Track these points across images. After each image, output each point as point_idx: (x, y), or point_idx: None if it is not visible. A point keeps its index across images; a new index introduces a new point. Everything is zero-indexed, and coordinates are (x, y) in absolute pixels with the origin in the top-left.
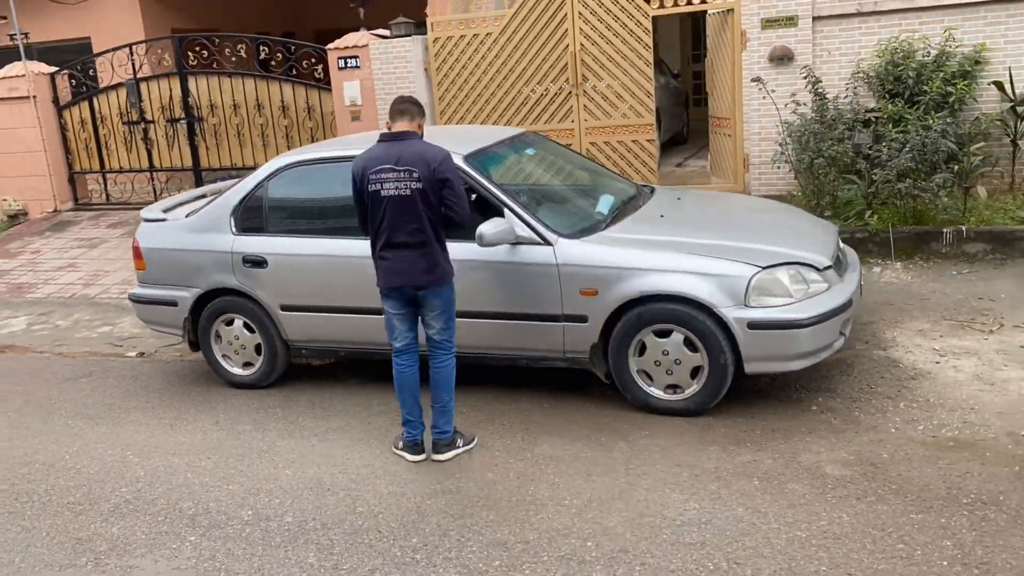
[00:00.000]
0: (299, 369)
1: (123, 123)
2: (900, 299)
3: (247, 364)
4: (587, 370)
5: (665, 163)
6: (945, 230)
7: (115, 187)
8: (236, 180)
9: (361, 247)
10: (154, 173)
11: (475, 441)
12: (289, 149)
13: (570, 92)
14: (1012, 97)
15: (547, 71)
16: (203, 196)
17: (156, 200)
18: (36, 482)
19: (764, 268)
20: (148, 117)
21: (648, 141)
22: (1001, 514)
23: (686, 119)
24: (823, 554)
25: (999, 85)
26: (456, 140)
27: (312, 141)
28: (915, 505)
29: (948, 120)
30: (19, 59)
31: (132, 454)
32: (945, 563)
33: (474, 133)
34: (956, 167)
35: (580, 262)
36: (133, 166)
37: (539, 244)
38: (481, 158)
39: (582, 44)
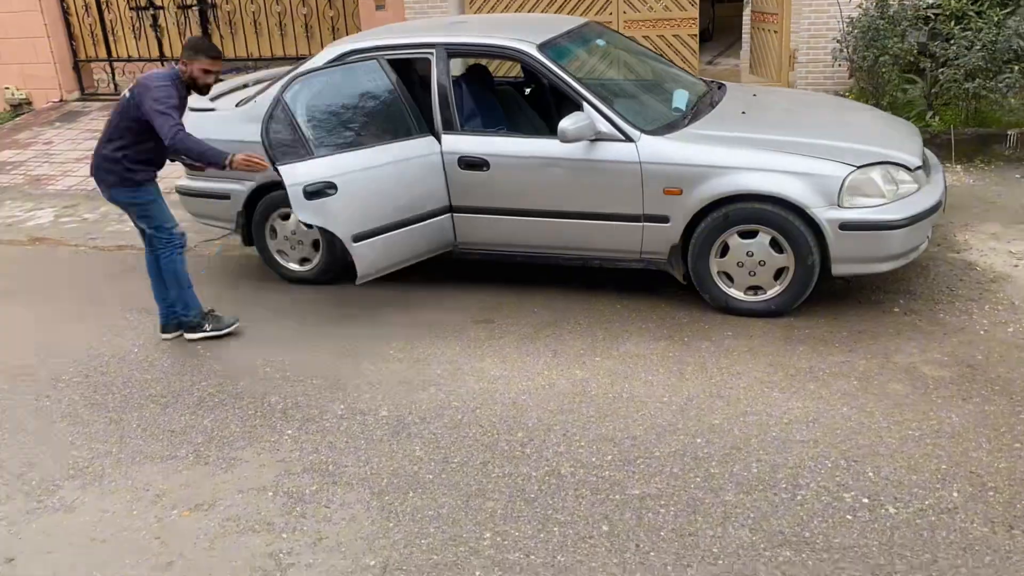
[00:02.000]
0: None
1: (130, 8)
2: (967, 202)
3: (304, 260)
4: (662, 271)
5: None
6: (1009, 132)
7: (123, 77)
8: (291, 69)
9: (415, 147)
10: (164, 62)
11: (231, 326)
12: (309, 40)
13: None
14: None
15: None
16: (245, 85)
17: None
18: (111, 375)
19: (858, 167)
20: (157, 3)
21: (690, 36)
22: None
23: (712, 15)
24: (940, 452)
25: None
26: (525, 28)
27: (334, 31)
28: (1023, 405)
29: (1016, 17)
30: None
31: (202, 348)
32: None
33: (539, 21)
34: (1019, 67)
35: (665, 160)
36: (142, 55)
37: (620, 140)
38: (554, 48)
39: None
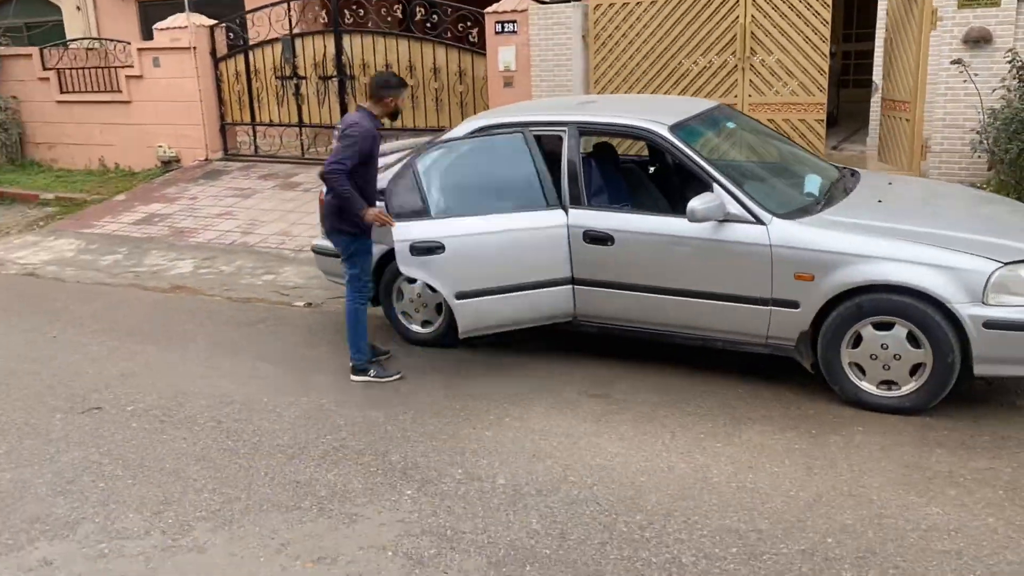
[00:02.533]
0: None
1: (276, 78)
2: None
3: (426, 322)
4: (789, 358)
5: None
6: None
7: (263, 140)
8: (427, 140)
9: (538, 218)
10: (303, 128)
11: (393, 377)
12: (438, 112)
13: (736, 65)
14: None
15: (712, 43)
16: (383, 154)
17: (303, 154)
18: (242, 422)
19: (1005, 264)
20: (300, 73)
21: (817, 121)
22: None
23: (837, 100)
24: None
25: None
26: (657, 110)
27: (462, 105)
28: None
29: None
30: (181, 11)
31: (328, 402)
32: None
33: (670, 103)
34: None
35: (797, 244)
36: (283, 120)
37: (750, 223)
38: (685, 129)
39: (753, 16)
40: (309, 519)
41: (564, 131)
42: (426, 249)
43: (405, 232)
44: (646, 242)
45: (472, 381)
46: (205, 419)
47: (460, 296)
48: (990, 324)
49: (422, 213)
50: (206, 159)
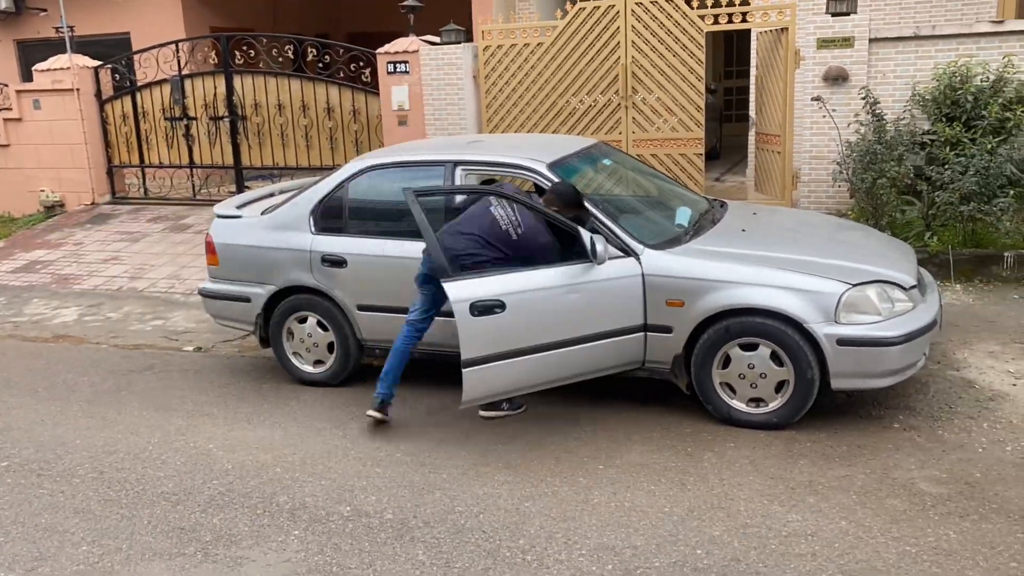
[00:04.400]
0: (366, 369)
1: (165, 119)
2: (965, 321)
3: (318, 362)
4: (667, 380)
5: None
6: (1006, 254)
7: (153, 182)
8: (316, 180)
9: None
10: (194, 169)
11: (521, 408)
12: (332, 151)
13: (619, 104)
14: None
15: (596, 82)
16: (271, 195)
17: (194, 195)
18: (126, 471)
19: (854, 285)
20: (191, 114)
21: (696, 155)
22: None
23: (719, 135)
24: (936, 570)
25: None
26: (536, 149)
27: (357, 144)
28: (1020, 524)
29: (1008, 145)
30: (63, 51)
31: (215, 447)
32: None
33: (551, 142)
34: (1013, 192)
35: (667, 273)
36: (173, 161)
37: (623, 256)
38: (563, 167)
39: (634, 57)
40: (193, 565)
41: (447, 170)
42: (333, 261)
43: (320, 245)
44: (537, 298)
45: (364, 420)
46: (86, 470)
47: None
48: (843, 341)
49: (339, 230)
50: (92, 203)
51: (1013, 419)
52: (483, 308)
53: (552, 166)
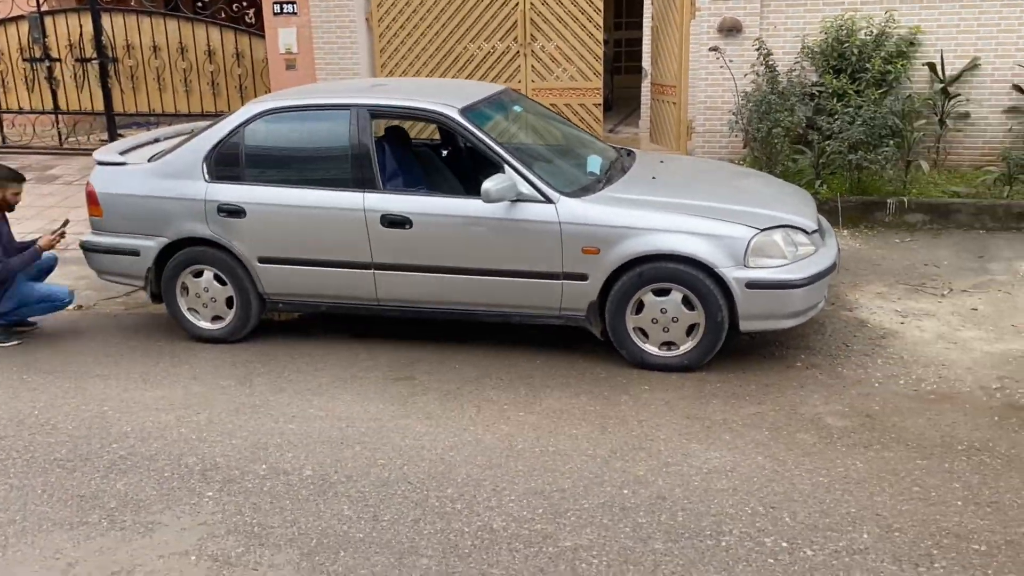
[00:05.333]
0: (266, 325)
1: (23, 60)
2: (853, 264)
3: (216, 318)
4: (580, 327)
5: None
6: (889, 200)
7: (12, 129)
8: (208, 125)
9: (345, 199)
10: (59, 116)
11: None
12: (216, 97)
13: (517, 52)
14: (942, 78)
15: (495, 28)
16: (157, 140)
17: (61, 144)
18: (10, 439)
19: (762, 230)
20: (53, 55)
21: (595, 105)
22: (996, 459)
23: (611, 86)
24: (849, 497)
25: (931, 66)
26: (447, 93)
27: (241, 89)
28: (917, 452)
29: (892, 97)
30: None
31: (110, 409)
32: (959, 503)
33: (460, 87)
34: (894, 142)
35: (583, 221)
36: (35, 107)
37: (540, 202)
38: (475, 112)
39: (532, 3)
40: (98, 533)
41: (352, 115)
42: (229, 211)
43: (215, 193)
44: (444, 223)
45: (271, 375)
46: None
47: (263, 260)
48: (751, 284)
49: (236, 178)
50: None
51: (903, 355)
52: (391, 222)
53: (464, 111)
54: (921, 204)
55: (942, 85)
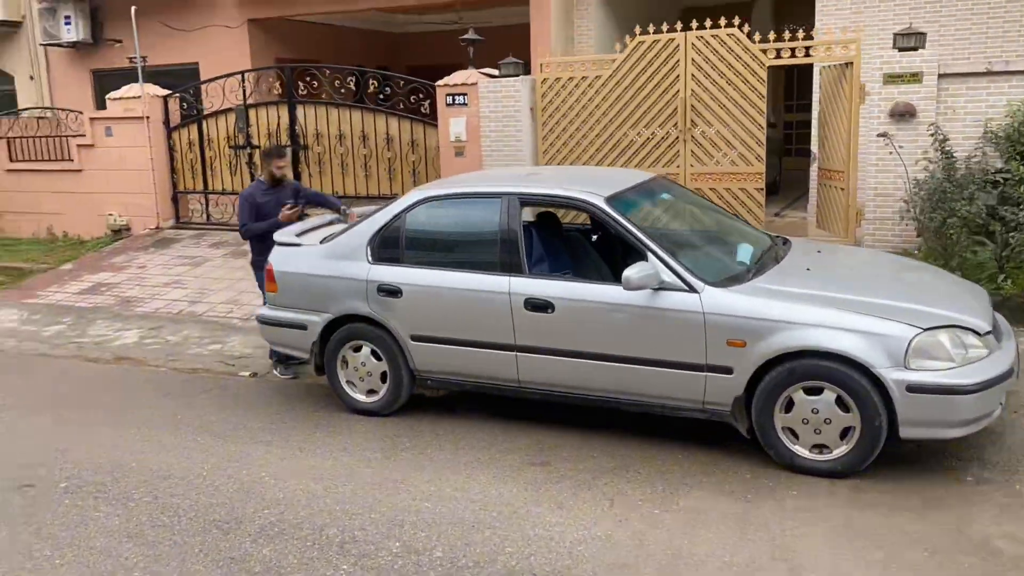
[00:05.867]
0: (417, 400)
1: (230, 147)
2: None
3: (371, 391)
4: (725, 423)
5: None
6: None
7: (215, 208)
8: (375, 210)
9: (492, 282)
10: None
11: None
12: (391, 181)
13: (677, 137)
14: None
15: (655, 115)
16: (331, 223)
17: None
18: (179, 496)
19: (925, 330)
20: (254, 142)
21: (757, 190)
22: None
23: (780, 169)
24: None
25: None
26: (594, 182)
27: (415, 174)
28: None
29: None
30: (135, 81)
31: (267, 475)
32: None
33: (610, 175)
34: None
35: (728, 312)
36: (235, 188)
37: (684, 291)
38: (621, 201)
39: (693, 90)
40: None
41: (504, 203)
42: (388, 291)
43: (376, 274)
44: (585, 309)
45: (415, 451)
46: (141, 494)
47: (415, 338)
48: (913, 388)
49: (395, 260)
50: (157, 227)
51: None
52: (534, 305)
53: (609, 200)
54: None
55: None
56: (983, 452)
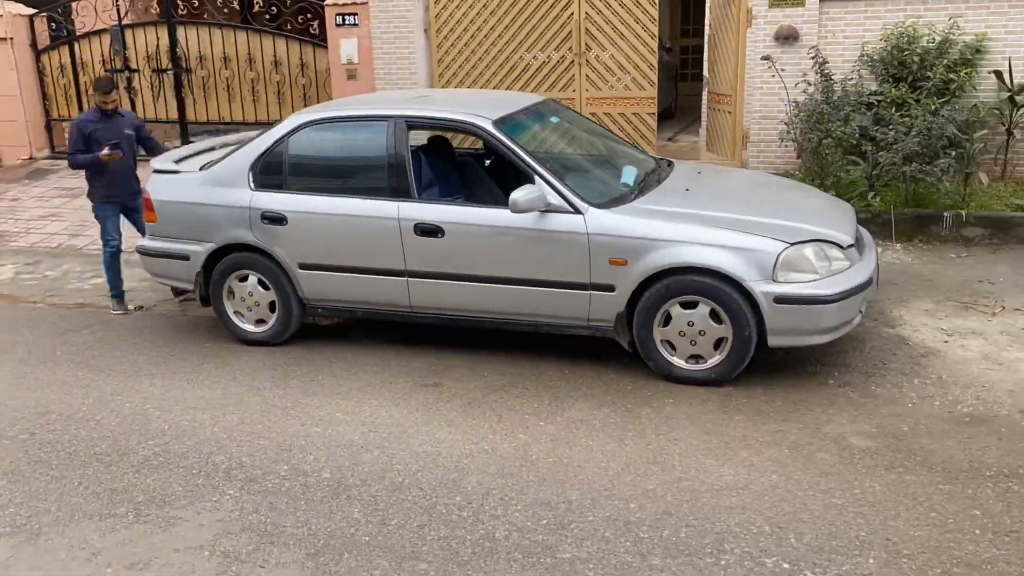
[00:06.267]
0: (309, 328)
1: (105, 71)
2: (903, 279)
3: (260, 321)
4: (608, 338)
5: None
6: (945, 214)
7: None
8: (256, 135)
9: (380, 207)
10: None
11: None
12: (280, 105)
13: (572, 61)
14: (1010, 87)
15: (550, 38)
16: (211, 148)
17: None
18: (57, 432)
19: (792, 244)
20: (132, 66)
21: (648, 114)
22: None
23: (675, 94)
24: (860, 520)
25: (998, 74)
26: (484, 104)
27: (305, 98)
28: (941, 476)
29: (950, 107)
30: None
31: (152, 407)
32: (977, 531)
33: (499, 98)
34: (955, 153)
35: (611, 232)
36: None
37: (569, 212)
38: (510, 124)
39: (587, 13)
40: (123, 526)
41: (390, 126)
42: (272, 219)
43: (260, 201)
44: (475, 233)
45: (305, 378)
46: (16, 431)
47: (302, 267)
48: (779, 299)
49: (279, 187)
50: (30, 157)
51: (942, 375)
52: (424, 230)
53: (497, 123)
54: (981, 218)
55: (1009, 94)
56: (845, 357)
